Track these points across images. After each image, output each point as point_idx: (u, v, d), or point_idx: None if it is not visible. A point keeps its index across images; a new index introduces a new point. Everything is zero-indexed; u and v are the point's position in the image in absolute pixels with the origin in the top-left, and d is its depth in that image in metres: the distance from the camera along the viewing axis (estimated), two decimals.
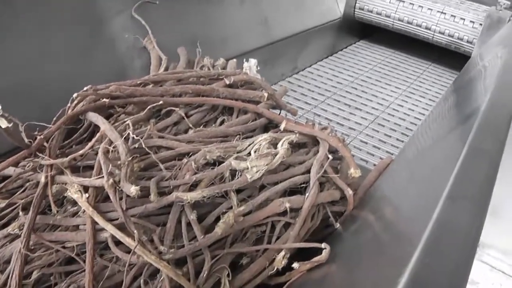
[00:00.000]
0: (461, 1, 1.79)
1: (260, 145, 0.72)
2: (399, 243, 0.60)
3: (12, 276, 0.53)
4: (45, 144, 0.65)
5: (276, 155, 0.70)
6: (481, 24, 1.62)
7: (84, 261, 0.56)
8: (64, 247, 0.58)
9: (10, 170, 0.65)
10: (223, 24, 1.29)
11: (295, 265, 0.61)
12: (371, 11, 1.85)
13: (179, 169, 0.63)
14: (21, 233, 0.59)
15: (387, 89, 1.65)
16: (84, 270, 0.57)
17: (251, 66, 0.97)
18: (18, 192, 0.66)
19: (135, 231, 0.52)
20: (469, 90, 1.26)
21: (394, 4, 1.79)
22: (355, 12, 1.89)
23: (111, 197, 0.54)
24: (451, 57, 1.84)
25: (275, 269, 0.62)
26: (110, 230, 0.54)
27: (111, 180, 0.53)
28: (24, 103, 0.81)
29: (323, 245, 0.62)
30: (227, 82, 0.89)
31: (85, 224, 0.57)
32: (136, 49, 1.04)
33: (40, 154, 0.63)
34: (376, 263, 0.58)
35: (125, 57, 1.02)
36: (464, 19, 1.66)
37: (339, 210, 0.79)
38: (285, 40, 1.52)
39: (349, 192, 0.77)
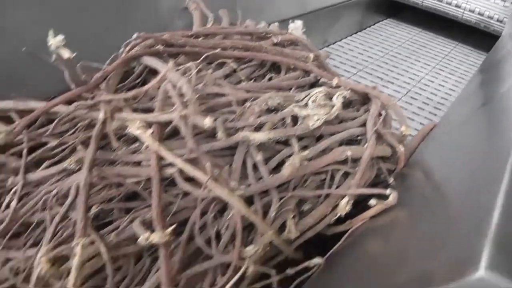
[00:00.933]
0: None
1: (317, 96, 0.71)
2: (465, 206, 0.59)
3: (78, 207, 0.52)
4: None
5: (333, 107, 0.69)
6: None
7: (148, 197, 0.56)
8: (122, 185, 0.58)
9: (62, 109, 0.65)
10: None
11: (372, 201, 0.60)
12: None
13: (241, 114, 0.62)
14: (78, 167, 0.59)
15: (417, 65, 1.64)
16: (147, 206, 0.57)
17: (297, 27, 0.96)
18: (69, 133, 0.66)
19: (208, 163, 0.51)
20: (499, 70, 1.24)
21: None
22: None
23: (182, 130, 0.53)
24: (478, 36, 1.82)
25: (337, 215, 0.61)
26: (179, 164, 0.53)
27: (184, 111, 0.52)
28: None
29: (388, 190, 0.60)
30: (275, 41, 0.88)
31: (148, 160, 0.56)
32: (177, 10, 1.03)
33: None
34: (443, 220, 0.57)
35: (165, 16, 1.01)
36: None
37: (389, 168, 0.77)
38: (316, 12, 1.50)
39: (401, 149, 0.76)
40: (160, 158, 0.55)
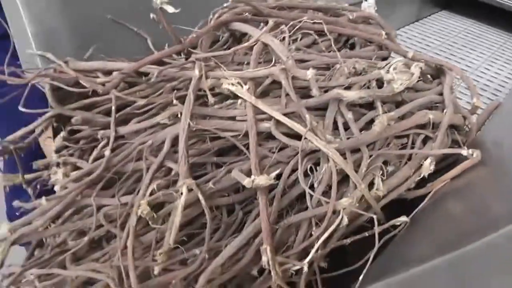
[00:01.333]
0: None
1: (397, 65, 0.72)
2: None
3: (179, 152, 0.55)
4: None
5: (413, 74, 0.70)
6: None
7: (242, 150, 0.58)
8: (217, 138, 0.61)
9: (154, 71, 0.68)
10: None
11: (464, 152, 0.61)
12: None
13: (331, 75, 0.64)
14: (171, 122, 0.62)
15: (473, 54, 1.63)
16: (241, 160, 0.60)
17: (370, 5, 0.97)
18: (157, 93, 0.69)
19: (307, 116, 0.53)
20: None
21: None
22: None
23: (283, 83, 0.55)
24: None
25: (421, 175, 0.63)
26: (276, 116, 0.56)
27: (288, 63, 0.55)
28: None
29: (470, 150, 0.61)
30: (350, 17, 0.90)
31: (243, 115, 0.59)
32: None
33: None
34: None
35: None
36: None
37: (461, 139, 0.78)
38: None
39: (473, 119, 0.76)
40: (256, 113, 0.58)
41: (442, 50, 1.58)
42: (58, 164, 0.69)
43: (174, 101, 0.61)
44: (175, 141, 0.59)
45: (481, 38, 1.78)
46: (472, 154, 0.60)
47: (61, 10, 0.72)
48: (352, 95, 0.58)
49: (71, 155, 0.70)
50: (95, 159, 0.66)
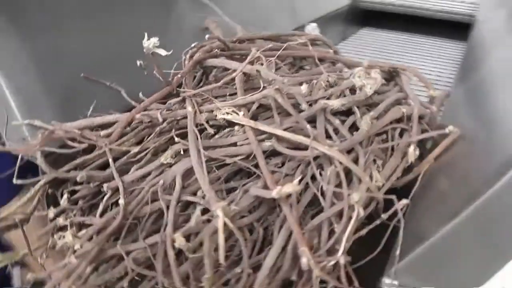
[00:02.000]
0: None
1: (359, 73, 0.80)
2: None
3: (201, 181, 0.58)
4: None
5: (376, 79, 0.78)
6: None
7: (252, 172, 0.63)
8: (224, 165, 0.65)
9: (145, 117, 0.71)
10: (258, 9, 1.38)
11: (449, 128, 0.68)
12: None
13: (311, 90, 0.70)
14: (175, 161, 0.65)
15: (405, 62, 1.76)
16: (250, 181, 0.64)
17: (313, 28, 1.06)
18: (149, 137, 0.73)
19: (308, 126, 0.59)
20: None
21: None
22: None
23: (280, 101, 0.61)
24: (452, 29, 1.97)
25: (409, 162, 0.69)
26: (279, 133, 0.61)
27: (281, 83, 0.60)
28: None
29: (450, 127, 0.69)
30: (300, 41, 0.98)
31: (244, 140, 0.63)
32: (201, 30, 1.11)
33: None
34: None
35: (190, 37, 1.09)
36: None
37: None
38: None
39: (434, 108, 0.85)
40: (256, 135, 0.63)
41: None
42: (60, 229, 0.70)
43: (176, 139, 0.64)
44: (184, 176, 0.63)
45: (407, 48, 1.93)
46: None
47: (37, 75, 0.75)
48: (336, 103, 0.65)
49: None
50: (102, 212, 0.67)
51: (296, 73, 0.83)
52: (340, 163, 0.60)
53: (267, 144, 0.62)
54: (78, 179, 0.66)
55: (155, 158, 0.69)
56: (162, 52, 0.61)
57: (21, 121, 0.72)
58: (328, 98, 0.69)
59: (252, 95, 0.63)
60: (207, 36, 0.79)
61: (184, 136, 0.66)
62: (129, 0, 0.98)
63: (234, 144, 0.64)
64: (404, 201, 0.63)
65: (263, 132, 0.63)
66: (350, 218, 0.57)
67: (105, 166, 0.71)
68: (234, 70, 0.68)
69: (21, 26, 0.77)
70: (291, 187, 0.52)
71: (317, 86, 0.70)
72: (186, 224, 0.58)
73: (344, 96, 0.70)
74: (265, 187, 0.58)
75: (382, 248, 0.58)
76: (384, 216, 0.62)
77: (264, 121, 0.66)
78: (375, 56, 1.77)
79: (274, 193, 0.53)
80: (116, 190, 0.66)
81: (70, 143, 0.72)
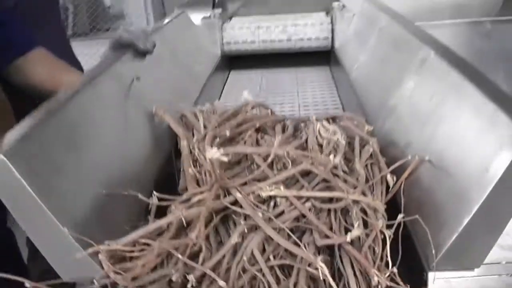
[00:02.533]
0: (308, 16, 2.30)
1: (321, 129, 1.03)
2: None
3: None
4: None
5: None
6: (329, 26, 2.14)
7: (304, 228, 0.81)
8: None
9: None
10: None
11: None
12: (238, 46, 2.24)
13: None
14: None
15: (286, 97, 2.04)
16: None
17: (247, 95, 1.26)
18: None
19: (339, 183, 0.79)
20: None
21: (255, 33, 2.21)
22: (224, 50, 2.26)
23: (316, 171, 0.80)
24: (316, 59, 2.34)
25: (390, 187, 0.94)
26: (319, 195, 0.80)
27: (317, 157, 0.79)
28: None
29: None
30: (248, 110, 1.18)
31: (289, 206, 0.81)
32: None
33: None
34: None
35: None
36: (314, 27, 2.16)
37: None
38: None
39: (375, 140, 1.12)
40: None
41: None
42: None
43: (242, 222, 0.79)
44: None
45: (278, 83, 2.22)
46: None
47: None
48: (337, 160, 0.87)
49: None
50: None
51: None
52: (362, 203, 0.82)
53: (308, 205, 0.81)
54: None
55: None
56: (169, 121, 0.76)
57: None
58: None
59: (289, 170, 0.82)
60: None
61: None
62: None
63: (283, 212, 0.81)
64: (400, 216, 0.87)
65: (301, 197, 0.82)
66: (384, 238, 0.79)
67: None
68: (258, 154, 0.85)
69: None
70: (358, 231, 0.73)
71: (314, 149, 0.91)
72: None
73: (336, 151, 0.92)
74: (324, 236, 0.78)
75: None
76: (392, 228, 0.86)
77: (295, 186, 0.85)
78: (262, 94, 2.03)
79: (348, 238, 0.72)
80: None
81: None
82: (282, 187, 0.81)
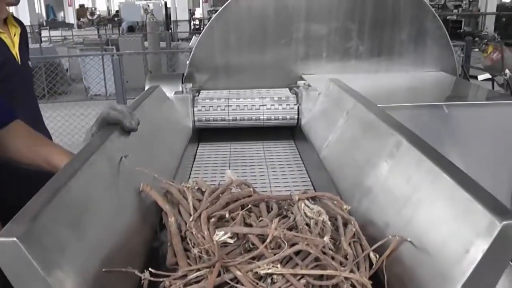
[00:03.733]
0: (275, 93, 2.44)
1: (305, 209, 1.11)
2: None
3: None
4: None
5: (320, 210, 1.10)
6: (295, 104, 2.28)
7: None
8: None
9: None
10: None
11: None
12: (209, 120, 2.33)
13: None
14: None
15: (255, 168, 2.13)
16: None
17: (231, 173, 1.33)
18: None
19: (332, 262, 0.86)
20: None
21: (225, 110, 2.32)
22: (195, 123, 2.34)
23: (312, 251, 0.86)
24: (281, 133, 2.47)
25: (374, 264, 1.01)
26: (313, 272, 0.86)
27: (313, 239, 0.86)
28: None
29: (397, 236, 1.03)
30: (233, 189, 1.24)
31: (286, 283, 0.86)
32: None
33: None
34: None
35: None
36: (281, 104, 2.30)
37: None
38: None
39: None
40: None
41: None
42: None
43: None
44: None
45: (243, 155, 2.31)
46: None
47: None
48: (326, 239, 0.94)
49: None
50: None
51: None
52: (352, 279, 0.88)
53: (303, 281, 0.87)
54: None
55: None
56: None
57: None
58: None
59: (284, 251, 0.88)
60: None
61: None
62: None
63: None
64: None
65: (296, 274, 0.87)
66: None
67: None
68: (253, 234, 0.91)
69: None
70: None
71: (303, 230, 0.98)
72: None
73: (323, 232, 0.99)
74: None
75: None
76: None
77: (288, 263, 0.91)
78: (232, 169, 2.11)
79: None
80: None
81: None
82: (279, 265, 0.87)
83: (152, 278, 0.95)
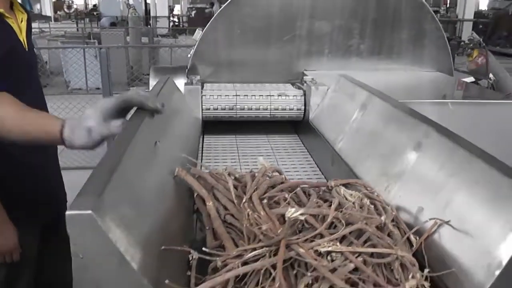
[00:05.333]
0: (278, 87, 2.48)
1: (345, 193, 1.15)
2: None
3: None
4: None
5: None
6: (302, 96, 2.33)
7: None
8: None
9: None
10: None
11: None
12: (216, 109, 2.36)
13: None
14: None
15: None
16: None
17: (262, 160, 1.36)
18: None
19: (386, 238, 0.90)
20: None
21: (233, 100, 2.35)
22: (203, 114, 2.36)
23: (370, 230, 0.90)
24: (285, 127, 2.50)
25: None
26: (370, 250, 0.90)
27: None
28: None
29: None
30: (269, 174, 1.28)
31: (344, 260, 0.90)
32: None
33: None
34: None
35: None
36: (288, 96, 2.34)
37: None
38: None
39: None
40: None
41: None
42: None
43: (308, 274, 0.87)
44: None
45: (248, 148, 2.34)
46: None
47: None
48: (383, 218, 0.98)
49: None
50: None
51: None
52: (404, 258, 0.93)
53: (360, 259, 0.91)
54: None
55: None
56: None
57: None
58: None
59: (342, 230, 0.92)
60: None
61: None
62: None
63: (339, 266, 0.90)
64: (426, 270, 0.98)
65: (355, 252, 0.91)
66: None
67: None
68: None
69: None
70: (414, 281, 0.83)
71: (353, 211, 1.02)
72: None
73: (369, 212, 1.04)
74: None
75: None
76: None
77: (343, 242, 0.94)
78: (242, 159, 2.13)
79: (407, 286, 0.83)
80: None
81: None
82: (338, 244, 0.90)
83: (206, 257, 0.97)
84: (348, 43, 2.76)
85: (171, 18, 20.34)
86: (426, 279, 0.93)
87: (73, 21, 17.35)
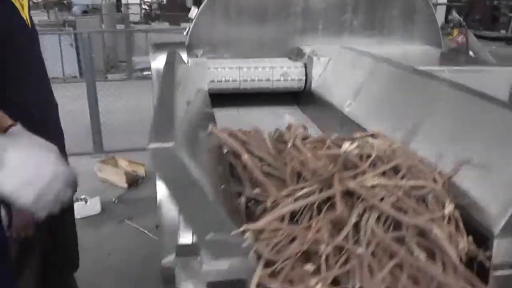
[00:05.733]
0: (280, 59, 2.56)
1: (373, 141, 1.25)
2: None
3: None
4: None
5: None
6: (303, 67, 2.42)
7: None
8: None
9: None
10: None
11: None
12: (220, 81, 2.43)
13: None
14: None
15: None
16: None
17: (290, 117, 1.45)
18: None
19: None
20: None
21: (236, 71, 2.42)
22: (209, 86, 2.43)
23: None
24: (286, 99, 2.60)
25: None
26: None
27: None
28: None
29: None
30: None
31: None
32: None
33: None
34: None
35: None
36: (290, 67, 2.43)
37: None
38: None
39: None
40: None
41: None
42: None
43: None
44: None
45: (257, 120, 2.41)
46: None
47: None
48: None
49: None
50: None
51: None
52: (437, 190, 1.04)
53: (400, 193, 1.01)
54: None
55: None
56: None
57: None
58: None
59: (386, 165, 1.02)
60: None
61: None
62: None
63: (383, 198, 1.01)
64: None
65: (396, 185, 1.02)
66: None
67: None
68: None
69: None
70: (451, 207, 0.94)
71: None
72: None
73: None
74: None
75: None
76: None
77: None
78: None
79: (446, 211, 0.93)
80: None
81: None
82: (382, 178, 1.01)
83: (258, 198, 1.06)
84: (341, 18, 2.86)
85: (142, 6, 20.06)
86: None
87: (42, 11, 16.93)
